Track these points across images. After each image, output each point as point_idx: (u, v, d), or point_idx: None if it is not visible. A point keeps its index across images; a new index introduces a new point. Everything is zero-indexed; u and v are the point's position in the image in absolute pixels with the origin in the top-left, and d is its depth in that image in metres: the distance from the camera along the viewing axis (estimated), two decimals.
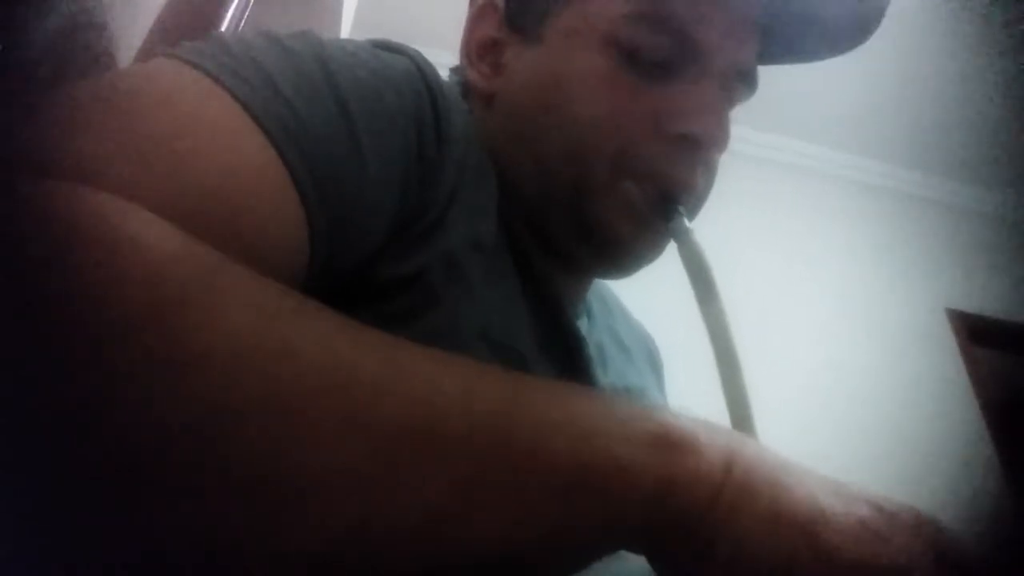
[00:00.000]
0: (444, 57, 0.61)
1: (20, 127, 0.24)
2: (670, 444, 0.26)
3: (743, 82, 0.45)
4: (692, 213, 0.44)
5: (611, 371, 0.50)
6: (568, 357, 0.44)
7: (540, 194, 0.44)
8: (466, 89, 0.50)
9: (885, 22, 0.47)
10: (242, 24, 0.64)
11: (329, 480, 0.21)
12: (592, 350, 0.47)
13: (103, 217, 0.21)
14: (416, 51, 0.40)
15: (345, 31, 1.80)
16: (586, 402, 0.28)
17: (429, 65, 0.39)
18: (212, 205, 0.26)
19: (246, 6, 0.65)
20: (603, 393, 0.32)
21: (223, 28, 0.61)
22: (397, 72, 0.36)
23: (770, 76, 0.47)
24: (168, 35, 0.56)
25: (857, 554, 0.24)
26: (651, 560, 0.27)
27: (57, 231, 0.20)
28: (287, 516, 0.21)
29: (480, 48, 0.49)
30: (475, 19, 0.49)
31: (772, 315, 2.03)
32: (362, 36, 0.41)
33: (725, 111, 0.44)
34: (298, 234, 0.29)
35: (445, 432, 0.24)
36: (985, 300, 2.43)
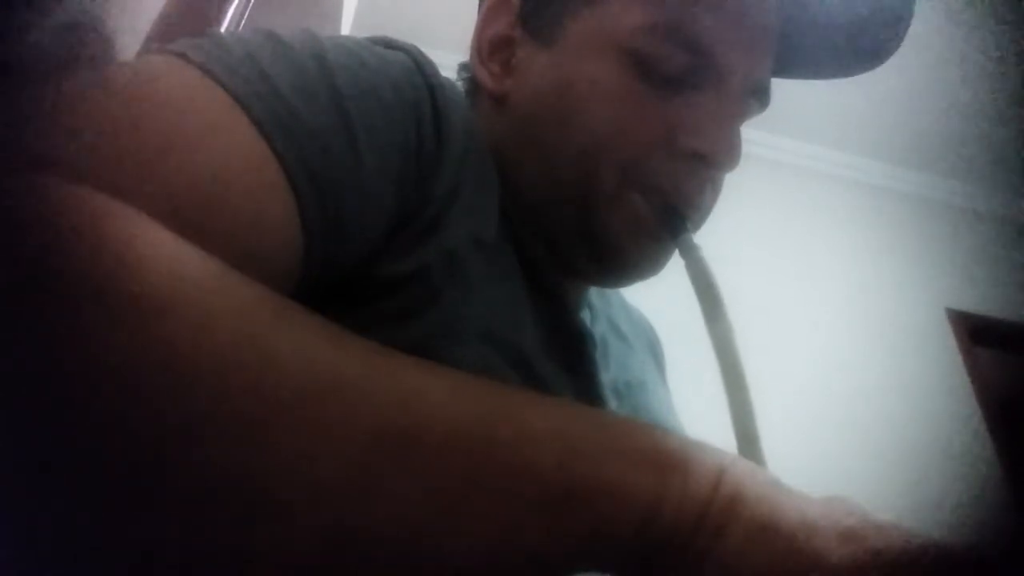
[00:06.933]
0: (444, 57, 0.61)
1: (14, 121, 0.24)
2: (660, 464, 0.26)
3: (756, 98, 0.45)
4: (695, 228, 0.43)
5: (613, 365, 0.50)
6: (571, 354, 0.43)
7: (546, 199, 0.44)
8: (473, 87, 0.50)
9: None
10: (242, 24, 0.64)
11: (303, 489, 0.21)
12: (596, 345, 0.47)
13: (93, 218, 0.21)
14: (415, 47, 0.40)
15: (345, 31, 1.80)
16: (575, 416, 0.28)
17: (428, 61, 0.39)
18: (204, 202, 0.26)
19: (246, 6, 0.65)
20: (594, 408, 0.32)
21: (223, 28, 0.61)
22: (395, 68, 0.36)
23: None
24: (168, 35, 0.56)
25: None
26: None
27: (45, 229, 0.20)
28: (261, 524, 0.21)
29: (491, 46, 0.48)
30: (488, 16, 0.48)
31: (771, 315, 2.03)
32: (362, 36, 0.41)
33: (738, 129, 0.44)
34: (291, 229, 0.29)
35: (424, 441, 0.23)
36: (985, 300, 2.43)
